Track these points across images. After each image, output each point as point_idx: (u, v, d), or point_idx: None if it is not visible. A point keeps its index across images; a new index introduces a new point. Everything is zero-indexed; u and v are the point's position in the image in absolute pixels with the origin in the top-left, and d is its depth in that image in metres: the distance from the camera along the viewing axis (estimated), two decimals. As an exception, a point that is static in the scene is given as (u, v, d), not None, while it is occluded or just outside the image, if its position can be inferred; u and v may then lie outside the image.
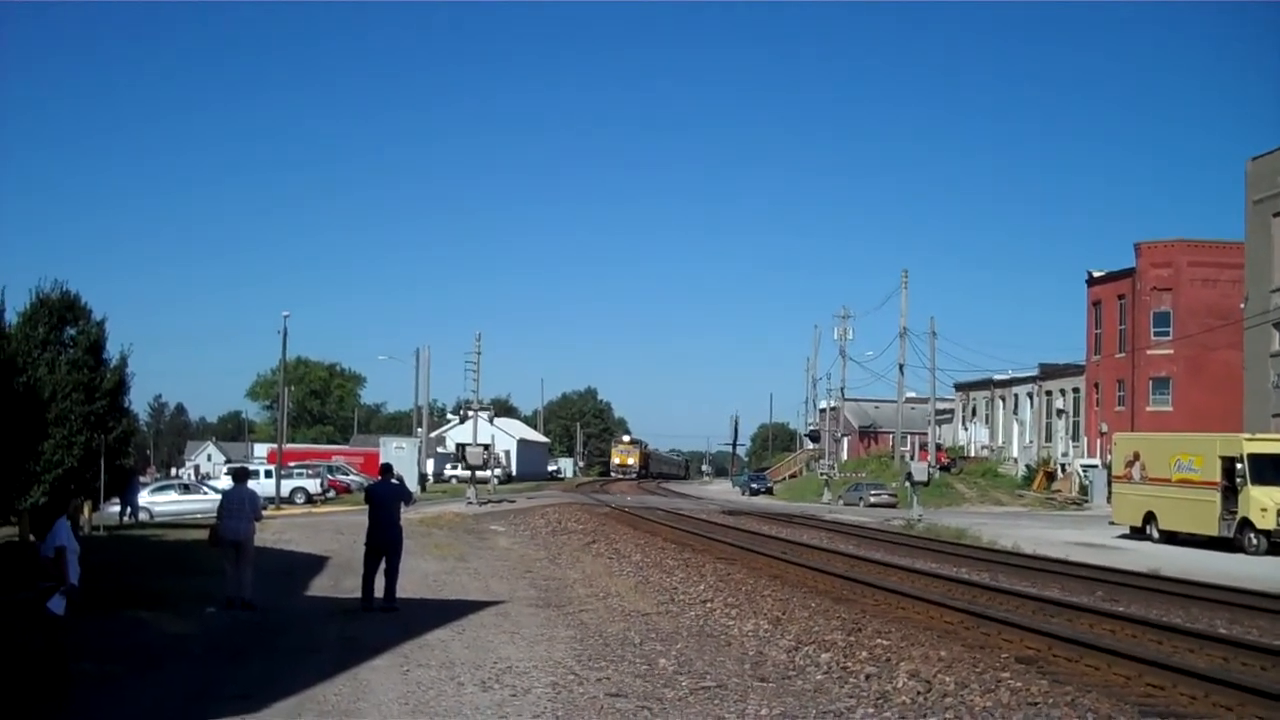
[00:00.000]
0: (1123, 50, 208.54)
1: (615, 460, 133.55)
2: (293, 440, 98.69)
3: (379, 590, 17.68)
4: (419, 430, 78.32)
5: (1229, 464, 32.94)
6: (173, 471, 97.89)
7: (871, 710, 11.09)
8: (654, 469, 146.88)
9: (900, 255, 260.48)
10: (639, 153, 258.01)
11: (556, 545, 31.56)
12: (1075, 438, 71.59)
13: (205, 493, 43.70)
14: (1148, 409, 63.14)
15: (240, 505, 18.27)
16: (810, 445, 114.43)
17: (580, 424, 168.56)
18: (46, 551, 11.84)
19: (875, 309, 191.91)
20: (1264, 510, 31.46)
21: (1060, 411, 73.86)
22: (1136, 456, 37.73)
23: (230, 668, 12.93)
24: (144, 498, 41.37)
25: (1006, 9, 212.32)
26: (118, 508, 37.81)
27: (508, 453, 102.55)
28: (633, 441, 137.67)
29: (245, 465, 30.71)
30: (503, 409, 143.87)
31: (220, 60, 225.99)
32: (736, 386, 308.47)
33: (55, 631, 11.74)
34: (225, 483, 38.89)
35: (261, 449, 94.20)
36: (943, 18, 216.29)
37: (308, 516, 41.88)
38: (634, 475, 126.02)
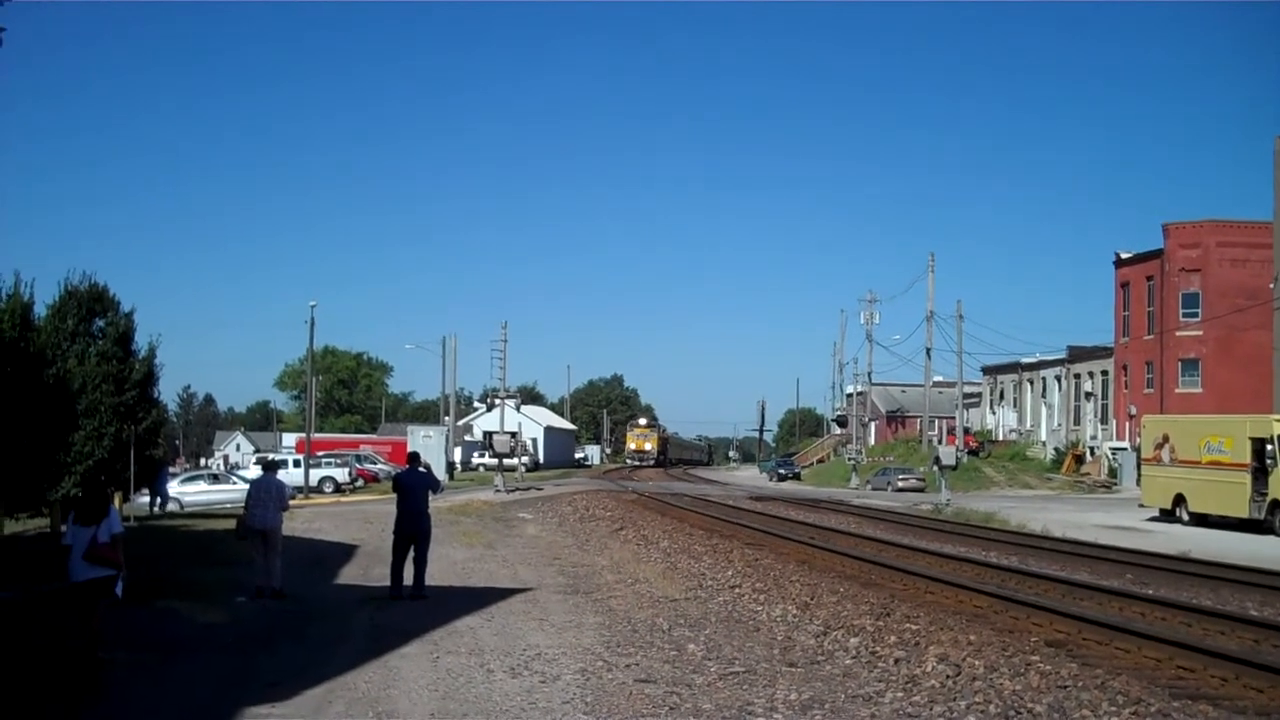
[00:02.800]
0: (1147, 30, 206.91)
1: (631, 445, 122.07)
2: (321, 430, 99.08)
3: (408, 578, 17.76)
4: (446, 419, 78.52)
5: (1259, 445, 32.74)
6: (202, 462, 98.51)
7: (900, 694, 11.08)
8: (673, 455, 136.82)
9: (927, 239, 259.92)
10: (664, 140, 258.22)
11: (584, 532, 31.60)
12: (1104, 420, 71.27)
13: (234, 483, 43.95)
14: (1177, 391, 62.83)
15: (268, 495, 18.40)
16: (837, 430, 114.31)
17: (607, 411, 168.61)
18: (104, 537, 11.97)
19: (902, 293, 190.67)
20: (1295, 492, 31.28)
21: (1089, 394, 73.53)
22: (1166, 439, 37.53)
23: (261, 656, 13.01)
24: (173, 488, 41.65)
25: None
26: (148, 498, 38.04)
27: (535, 440, 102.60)
28: (650, 425, 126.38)
29: (274, 456, 30.84)
30: (529, 396, 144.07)
31: (244, 47, 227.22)
32: (763, 372, 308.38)
33: (96, 619, 11.86)
34: (255, 473, 39.17)
35: (290, 438, 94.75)
36: (967, 5, 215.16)
37: (336, 505, 42.06)
38: (651, 462, 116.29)
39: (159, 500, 38.69)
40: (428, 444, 59.03)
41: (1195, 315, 63.29)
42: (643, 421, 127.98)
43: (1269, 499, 32.06)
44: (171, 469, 48.79)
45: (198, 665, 12.52)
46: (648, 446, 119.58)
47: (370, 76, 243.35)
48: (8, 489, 24.84)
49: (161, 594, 17.11)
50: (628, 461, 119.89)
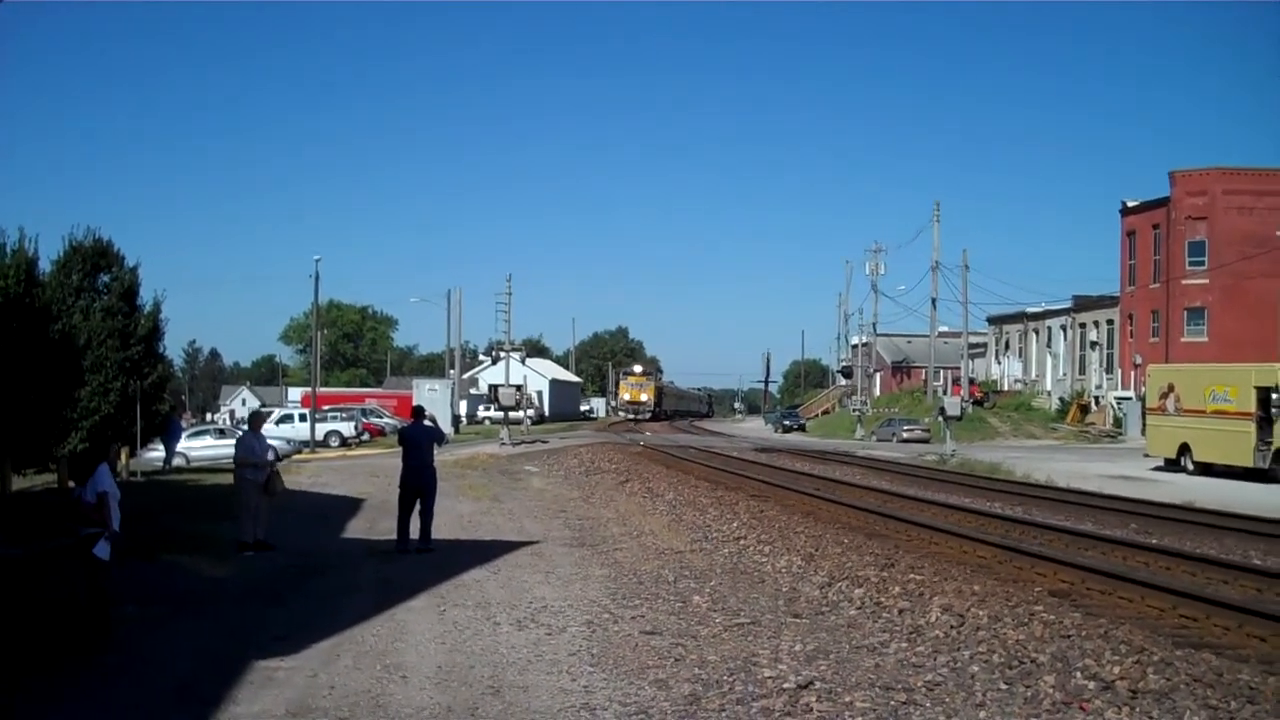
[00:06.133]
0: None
1: (625, 396, 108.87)
2: (326, 384, 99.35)
3: (414, 531, 17.83)
4: (451, 372, 78.67)
5: (1264, 394, 32.68)
6: (208, 416, 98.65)
7: (905, 645, 11.13)
8: (669, 406, 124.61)
9: (932, 191, 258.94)
10: (668, 94, 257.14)
11: (590, 485, 31.68)
12: (1109, 370, 71.14)
13: (237, 437, 43.88)
14: (1182, 340, 62.65)
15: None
16: (843, 381, 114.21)
17: (612, 363, 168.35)
18: (89, 497, 11.98)
19: (907, 243, 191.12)
20: (1299, 441, 31.26)
21: (1094, 343, 73.37)
22: (1171, 388, 37.48)
23: (269, 609, 13.07)
24: (180, 442, 41.66)
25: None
26: (161, 452, 38.01)
27: (540, 393, 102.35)
28: (645, 373, 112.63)
29: (257, 411, 30.57)
30: (535, 349, 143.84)
31: (251, 3, 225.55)
32: (768, 323, 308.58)
33: (99, 576, 11.92)
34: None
35: (295, 393, 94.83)
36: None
37: (342, 459, 42.16)
38: (648, 414, 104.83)
39: (169, 455, 38.66)
40: (433, 397, 59.12)
41: (1201, 264, 63.00)
42: (637, 369, 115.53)
43: (1274, 448, 32.03)
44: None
45: (206, 618, 12.59)
46: (644, 397, 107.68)
47: (377, 32, 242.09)
48: (15, 445, 24.91)
49: (169, 548, 17.17)
50: (619, 414, 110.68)
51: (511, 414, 55.26)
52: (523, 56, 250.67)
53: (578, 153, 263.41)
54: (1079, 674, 9.73)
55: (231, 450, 40.79)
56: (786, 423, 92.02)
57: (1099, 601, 13.26)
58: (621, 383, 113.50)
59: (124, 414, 30.24)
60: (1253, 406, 32.93)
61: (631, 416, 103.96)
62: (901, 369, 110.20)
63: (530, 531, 20.73)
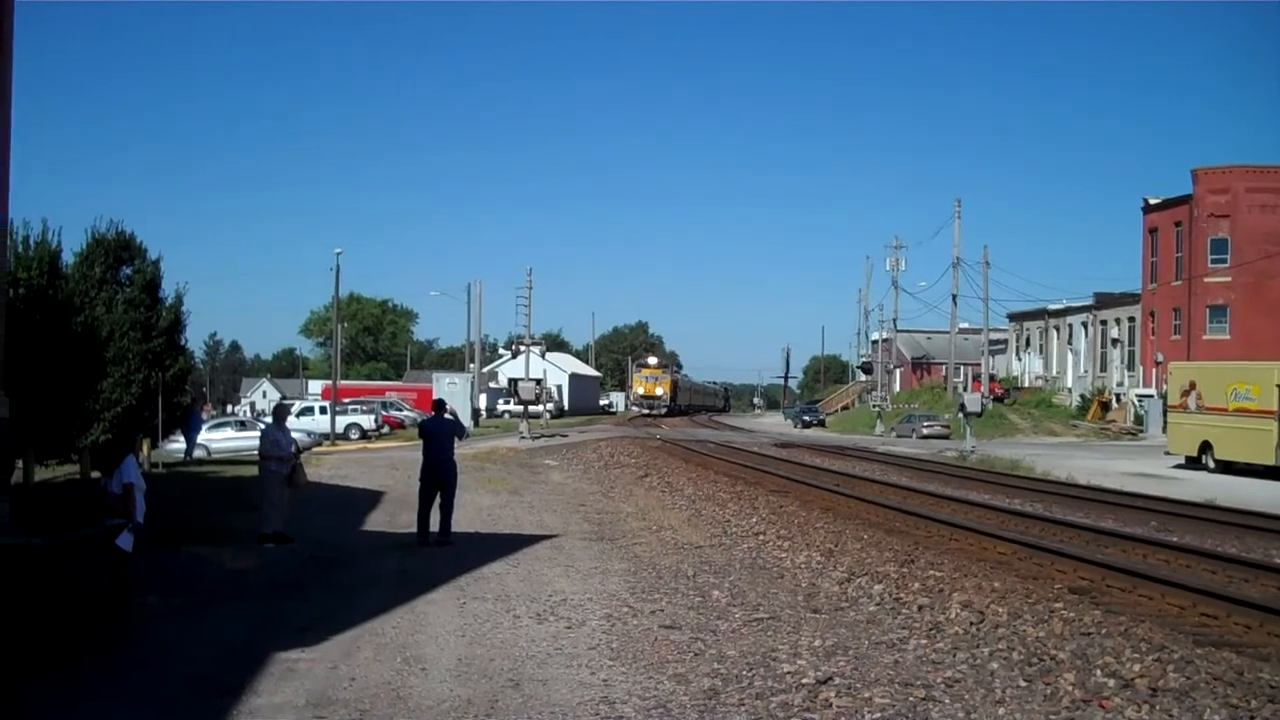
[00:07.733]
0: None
1: (639, 390, 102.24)
2: (346, 377, 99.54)
3: (434, 524, 17.86)
4: (471, 366, 78.61)
5: (1287, 393, 32.51)
6: (228, 409, 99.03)
7: (924, 641, 11.11)
8: (684, 400, 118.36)
9: (953, 188, 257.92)
10: (689, 90, 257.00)
11: (609, 479, 31.68)
12: (1130, 367, 70.87)
13: (261, 429, 43.98)
14: (1204, 337, 62.37)
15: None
16: (862, 377, 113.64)
17: (631, 358, 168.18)
18: (115, 488, 12.07)
19: (928, 239, 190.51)
20: (1323, 439, 31.08)
21: (1115, 341, 73.09)
22: (1192, 386, 37.31)
23: (289, 601, 13.10)
24: (201, 435, 41.83)
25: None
26: (182, 444, 38.15)
27: (559, 387, 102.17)
28: (661, 365, 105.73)
29: (281, 403, 30.54)
30: (554, 343, 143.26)
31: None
32: (788, 319, 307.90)
33: (121, 566, 12.00)
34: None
35: (316, 385, 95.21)
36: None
37: (362, 452, 42.24)
38: (664, 410, 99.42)
39: (190, 447, 38.82)
40: (453, 391, 59.22)
41: (1224, 261, 62.68)
42: (652, 361, 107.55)
43: (1296, 447, 31.89)
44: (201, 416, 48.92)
45: (227, 610, 12.63)
46: (658, 391, 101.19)
47: (397, 28, 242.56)
48: (38, 436, 25.06)
49: (191, 539, 17.28)
50: (633, 409, 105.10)
51: (531, 408, 55.33)
52: (543, 53, 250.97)
53: (598, 147, 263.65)
54: (1099, 671, 9.71)
55: (252, 442, 41.36)
56: (806, 418, 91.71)
57: (1119, 599, 13.22)
58: (635, 376, 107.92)
59: (145, 406, 30.43)
60: (1275, 404, 32.72)
61: (646, 411, 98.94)
62: (922, 365, 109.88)
63: (550, 525, 20.76)
